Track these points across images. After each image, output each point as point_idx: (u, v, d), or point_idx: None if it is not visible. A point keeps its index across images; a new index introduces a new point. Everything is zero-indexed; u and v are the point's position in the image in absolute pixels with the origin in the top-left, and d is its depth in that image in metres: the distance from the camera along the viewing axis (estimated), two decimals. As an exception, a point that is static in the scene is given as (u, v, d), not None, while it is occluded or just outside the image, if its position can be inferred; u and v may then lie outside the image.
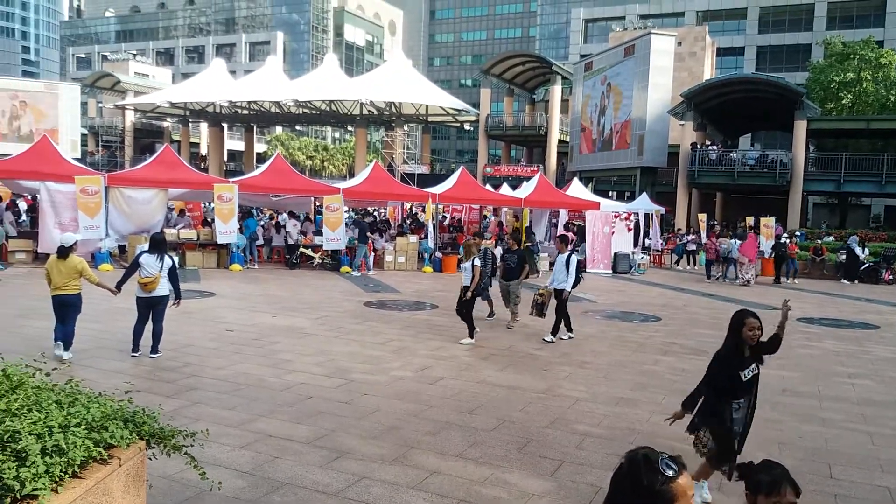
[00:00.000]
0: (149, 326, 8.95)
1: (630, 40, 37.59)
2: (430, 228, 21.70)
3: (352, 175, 52.54)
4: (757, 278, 21.55)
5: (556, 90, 46.33)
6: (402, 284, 17.59)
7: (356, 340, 10.52)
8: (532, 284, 14.84)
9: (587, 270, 22.55)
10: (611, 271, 22.74)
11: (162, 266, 8.93)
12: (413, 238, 21.80)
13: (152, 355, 8.82)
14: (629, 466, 1.86)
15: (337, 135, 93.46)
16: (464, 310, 10.82)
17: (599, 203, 24.45)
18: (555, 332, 11.21)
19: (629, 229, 23.81)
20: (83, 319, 8.96)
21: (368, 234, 20.71)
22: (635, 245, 24.53)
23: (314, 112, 52.13)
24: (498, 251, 15.75)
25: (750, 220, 29.76)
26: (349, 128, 60.71)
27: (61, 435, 2.66)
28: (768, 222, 26.13)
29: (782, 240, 23.44)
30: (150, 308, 8.93)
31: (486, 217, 29.52)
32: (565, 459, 5.95)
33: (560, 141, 46.69)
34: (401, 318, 12.89)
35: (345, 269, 19.65)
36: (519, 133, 49.93)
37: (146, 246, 9.35)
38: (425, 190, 23.05)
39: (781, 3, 59.86)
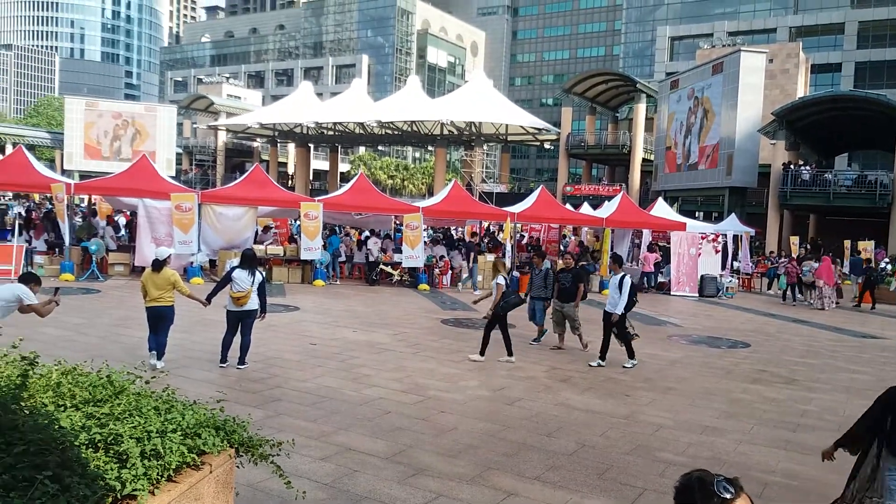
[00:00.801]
0: (237, 339, 9.27)
1: (718, 58, 36.57)
2: (508, 247, 21.63)
3: (431, 194, 53.11)
4: (837, 303, 20.56)
5: (641, 108, 45.54)
6: (479, 303, 17.54)
7: (433, 357, 10.58)
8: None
9: (672, 292, 21.95)
10: (697, 294, 22.02)
11: (252, 281, 9.22)
12: (491, 257, 21.78)
13: (240, 366, 9.13)
14: (683, 489, 1.80)
15: (417, 154, 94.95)
16: (487, 327, 10.73)
17: (685, 224, 23.76)
18: (602, 356, 10.73)
19: (717, 251, 23.03)
20: (174, 330, 9.38)
21: (455, 252, 20.88)
22: (723, 268, 23.66)
23: (396, 132, 53.13)
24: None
25: (847, 244, 28.24)
26: (429, 147, 61.55)
27: (159, 439, 2.79)
28: (867, 246, 24.73)
29: (882, 264, 22.15)
30: (240, 321, 9.24)
31: (565, 237, 29.21)
32: (647, 487, 5.77)
33: (644, 160, 45.79)
34: (477, 336, 12.81)
35: (423, 286, 19.82)
36: (601, 152, 49.30)
37: (236, 261, 9.70)
38: (504, 209, 23.03)
39: (882, 17, 56.94)
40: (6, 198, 31.75)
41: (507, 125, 48.10)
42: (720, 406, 8.64)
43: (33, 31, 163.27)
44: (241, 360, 9.20)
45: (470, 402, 8.16)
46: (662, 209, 26.25)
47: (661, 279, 22.93)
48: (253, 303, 9.26)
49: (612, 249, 22.59)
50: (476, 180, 49.50)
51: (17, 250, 17.42)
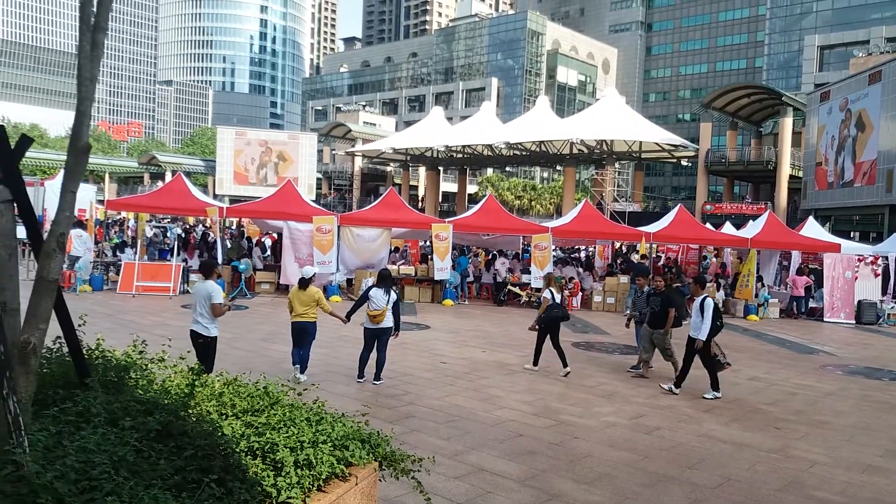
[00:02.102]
0: (373, 355, 9.57)
1: (876, 66, 33.79)
2: (643, 269, 20.90)
3: (559, 214, 52.58)
4: None
5: (787, 122, 42.88)
6: (612, 326, 17.09)
7: (565, 381, 10.38)
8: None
9: (825, 319, 20.34)
10: (853, 321, 20.23)
11: (388, 300, 9.50)
12: (624, 278, 21.16)
13: (375, 382, 9.41)
14: None
15: (545, 174, 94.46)
16: (538, 339, 11.01)
17: (839, 245, 21.97)
18: (678, 384, 9.95)
19: (876, 274, 21.07)
20: (316, 346, 9.82)
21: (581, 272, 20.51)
22: (884, 293, 21.61)
23: (524, 153, 53.20)
24: (720, 296, 14.69)
25: None
26: (558, 167, 61.03)
27: (311, 450, 2.93)
28: None
29: None
30: (376, 338, 9.54)
31: (706, 258, 27.87)
32: (804, 530, 5.32)
33: (791, 176, 42.99)
34: (611, 361, 12.51)
35: (554, 307, 19.56)
36: (743, 168, 46.82)
37: (370, 280, 10.11)
38: (638, 228, 22.35)
39: None
40: (165, 220, 34.74)
41: (640, 142, 46.85)
42: (883, 443, 7.86)
43: (190, 67, 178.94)
44: (377, 377, 9.47)
45: (605, 428, 7.92)
46: (813, 229, 24.45)
47: (812, 304, 21.31)
48: (388, 321, 9.52)
49: (757, 272, 21.30)
50: (607, 199, 48.49)
51: (176, 269, 19.00)
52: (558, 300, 11.07)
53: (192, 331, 7.87)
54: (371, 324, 9.52)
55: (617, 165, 55.20)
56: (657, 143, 46.94)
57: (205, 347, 7.82)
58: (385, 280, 9.71)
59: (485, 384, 9.82)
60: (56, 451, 2.52)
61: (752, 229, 23.04)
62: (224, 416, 3.20)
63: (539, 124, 48.05)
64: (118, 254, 21.51)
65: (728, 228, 26.27)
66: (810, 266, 23.49)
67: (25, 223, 2.88)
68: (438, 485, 5.74)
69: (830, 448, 7.59)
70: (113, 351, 3.67)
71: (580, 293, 20.80)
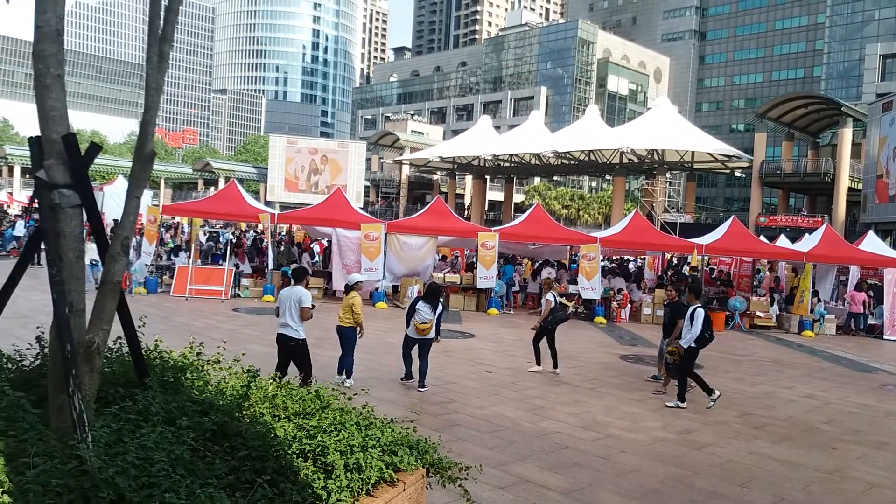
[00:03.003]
0: (415, 364, 9.69)
1: (942, 73, 32.49)
2: (694, 282, 20.48)
3: (608, 224, 51.95)
4: None
5: (846, 133, 41.56)
6: (661, 340, 16.77)
7: (612, 394, 10.24)
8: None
9: (884, 336, 19.61)
10: (915, 340, 19.44)
11: (435, 313, 9.75)
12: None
13: (420, 389, 9.50)
14: None
15: (593, 184, 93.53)
16: (535, 339, 11.59)
17: (901, 260, 21.16)
18: (681, 397, 9.72)
19: (940, 292, 20.21)
20: (362, 351, 9.93)
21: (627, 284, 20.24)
22: (948, 311, 20.70)
23: (573, 162, 52.77)
24: (773, 310, 14.31)
25: None
26: (607, 177, 60.36)
27: (361, 454, 2.97)
28: None
29: None
30: (418, 346, 9.79)
31: (759, 271, 27.18)
32: (862, 555, 5.14)
33: (850, 189, 41.63)
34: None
35: (599, 319, 19.35)
36: (800, 180, 45.54)
37: (416, 287, 10.25)
38: (689, 240, 21.94)
39: None
40: (218, 226, 35.55)
41: (692, 152, 46.01)
42: (951, 470, 7.52)
43: (244, 76, 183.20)
44: (421, 383, 9.58)
45: (653, 443, 7.79)
46: (873, 243, 23.58)
47: (871, 321, 20.57)
48: (431, 332, 9.80)
49: (813, 287, 20.68)
50: (658, 210, 47.70)
51: (228, 273, 19.44)
52: (559, 303, 11.76)
53: (281, 335, 8.15)
54: (416, 334, 9.72)
55: (668, 176, 54.25)
56: (710, 154, 46.02)
57: (297, 349, 8.17)
58: (433, 295, 9.91)
59: (530, 395, 9.76)
60: (117, 447, 2.61)
61: (808, 243, 22.39)
62: (277, 419, 3.27)
63: (588, 133, 47.62)
64: (172, 258, 22.11)
65: (783, 241, 25.57)
66: (869, 282, 22.68)
67: (92, 228, 3.00)
68: (483, 494, 5.72)
69: (891, 471, 7.31)
70: (170, 352, 3.78)
71: (629, 305, 20.50)
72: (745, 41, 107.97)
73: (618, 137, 46.20)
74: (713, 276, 26.15)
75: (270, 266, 19.89)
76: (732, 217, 23.52)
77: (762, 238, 27.60)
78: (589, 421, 8.53)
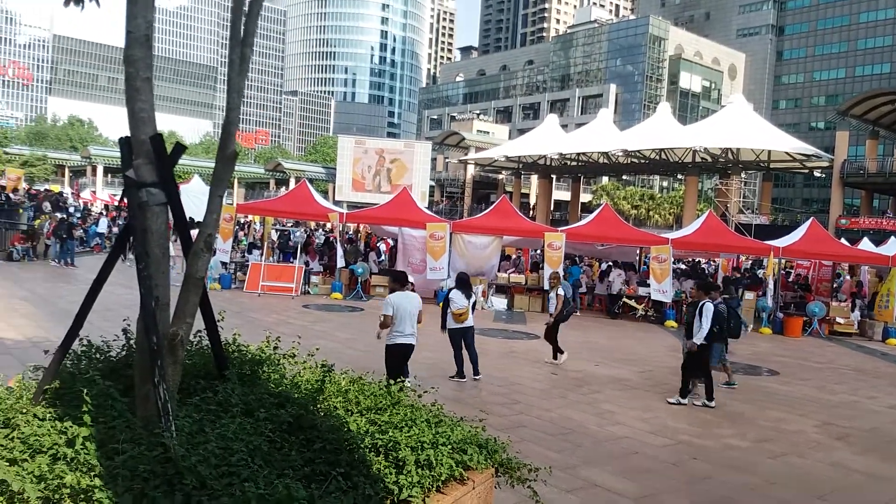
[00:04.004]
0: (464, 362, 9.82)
1: None
2: (771, 285, 19.79)
3: (679, 224, 50.63)
4: None
5: (936, 130, 39.27)
6: (735, 345, 16.11)
7: (685, 400, 9.97)
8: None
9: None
10: None
11: (469, 301, 9.92)
12: (749, 295, 20.09)
13: (476, 377, 9.80)
14: None
15: (664, 183, 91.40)
16: (552, 334, 11.87)
17: None
18: (709, 396, 9.60)
19: None
20: (426, 350, 10.01)
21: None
22: None
23: (643, 161, 51.68)
24: (855, 315, 13.67)
25: None
26: (679, 176, 58.89)
27: (431, 451, 2.99)
28: None
29: None
30: (462, 337, 9.89)
31: (839, 275, 26.00)
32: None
33: (940, 190, 39.36)
34: (735, 380, 11.89)
35: (670, 323, 18.89)
36: (885, 180, 43.28)
37: (480, 288, 10.28)
38: (766, 242, 21.17)
39: None
40: (289, 224, 36.44)
41: (769, 151, 44.35)
42: None
43: (314, 78, 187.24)
44: (476, 372, 9.88)
45: (726, 450, 7.55)
46: (967, 247, 22.24)
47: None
48: (470, 319, 9.97)
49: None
50: (732, 211, 46.21)
51: (298, 270, 19.92)
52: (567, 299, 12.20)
53: (409, 345, 8.02)
54: (456, 323, 9.83)
55: (743, 175, 52.52)
56: (787, 153, 44.28)
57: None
58: (464, 283, 10.15)
59: (598, 398, 9.62)
60: (199, 437, 2.71)
61: (893, 246, 21.29)
62: (350, 413, 3.33)
63: (659, 131, 46.53)
64: (246, 255, 22.79)
65: (865, 244, 24.40)
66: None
67: (177, 225, 3.13)
68: (551, 497, 5.67)
69: None
70: (247, 346, 3.90)
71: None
72: (827, 35, 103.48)
73: (690, 136, 44.98)
74: (790, 279, 25.18)
75: (340, 264, 20.23)
76: (811, 219, 22.57)
77: (843, 241, 26.39)
78: (658, 426, 8.35)
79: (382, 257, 26.01)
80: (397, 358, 8.04)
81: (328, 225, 30.59)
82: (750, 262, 30.23)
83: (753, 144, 42.71)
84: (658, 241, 20.23)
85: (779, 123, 66.32)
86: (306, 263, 21.36)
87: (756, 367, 13.35)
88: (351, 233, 27.97)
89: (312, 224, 37.86)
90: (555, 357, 11.91)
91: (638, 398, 9.83)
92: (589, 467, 6.58)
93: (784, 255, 20.39)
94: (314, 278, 20.56)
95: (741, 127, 42.44)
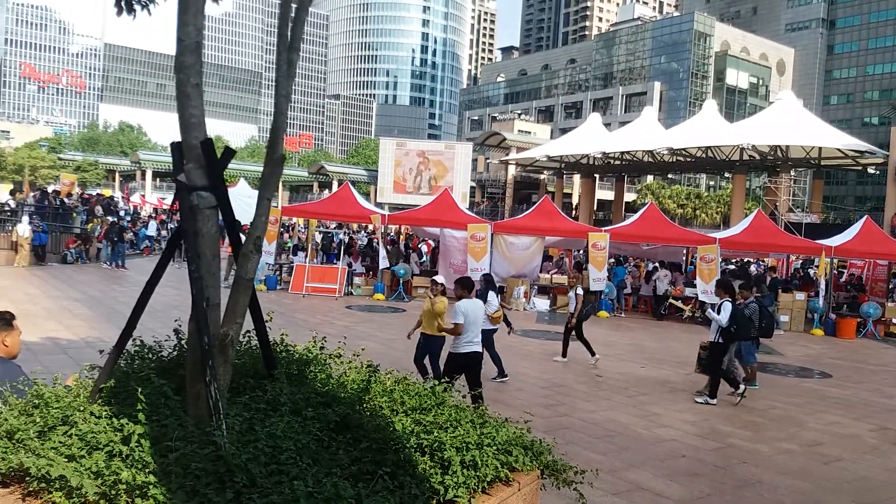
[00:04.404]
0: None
1: None
2: (823, 285, 19.24)
3: (726, 224, 49.61)
4: None
5: None
6: (786, 347, 15.84)
7: (734, 403, 9.77)
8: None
9: None
10: None
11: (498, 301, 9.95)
12: (800, 295, 19.57)
13: (503, 379, 9.82)
14: None
15: (711, 182, 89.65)
16: (578, 334, 11.83)
17: None
18: (712, 394, 9.62)
19: None
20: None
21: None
22: None
23: (688, 159, 50.79)
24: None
25: None
26: (726, 174, 57.69)
27: (477, 451, 2.99)
28: None
29: None
30: (486, 337, 9.60)
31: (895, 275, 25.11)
32: None
33: None
34: (784, 384, 11.62)
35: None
36: (943, 176, 41.69)
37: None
38: (817, 241, 20.59)
39: None
40: (332, 226, 36.84)
41: (819, 148, 43.14)
42: None
43: (356, 81, 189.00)
44: (502, 373, 9.87)
45: (777, 455, 7.37)
46: None
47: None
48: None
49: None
50: (781, 209, 45.09)
51: (341, 272, 20.14)
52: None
53: (477, 352, 7.65)
54: (491, 325, 9.79)
55: (792, 173, 51.17)
56: (839, 150, 43.00)
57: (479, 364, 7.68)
58: (492, 284, 10.26)
59: (644, 400, 9.48)
60: (248, 435, 2.76)
61: (954, 244, 20.47)
62: (395, 413, 3.36)
63: (705, 129, 45.65)
64: (291, 256, 23.14)
65: (925, 243, 23.50)
66: None
67: (227, 228, 3.19)
68: (596, 499, 5.61)
69: None
70: (294, 346, 3.96)
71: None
72: (880, 28, 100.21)
73: (738, 133, 44.03)
74: (841, 279, 24.46)
75: (382, 266, 20.37)
76: (865, 217, 21.87)
77: (900, 239, 25.48)
78: (707, 429, 8.19)
79: (424, 258, 26.12)
80: (462, 365, 7.61)
81: (370, 227, 30.85)
82: (800, 261, 29.44)
83: (803, 141, 41.60)
84: (705, 240, 19.85)
85: (830, 119, 64.46)
86: (349, 265, 21.58)
87: (808, 370, 13.00)
88: (392, 234, 28.16)
89: (354, 226, 38.24)
90: (592, 354, 11.79)
91: (684, 400, 9.67)
92: (635, 470, 6.50)
93: (836, 254, 19.80)
94: (357, 279, 20.77)
95: (791, 123, 41.39)
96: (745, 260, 28.79)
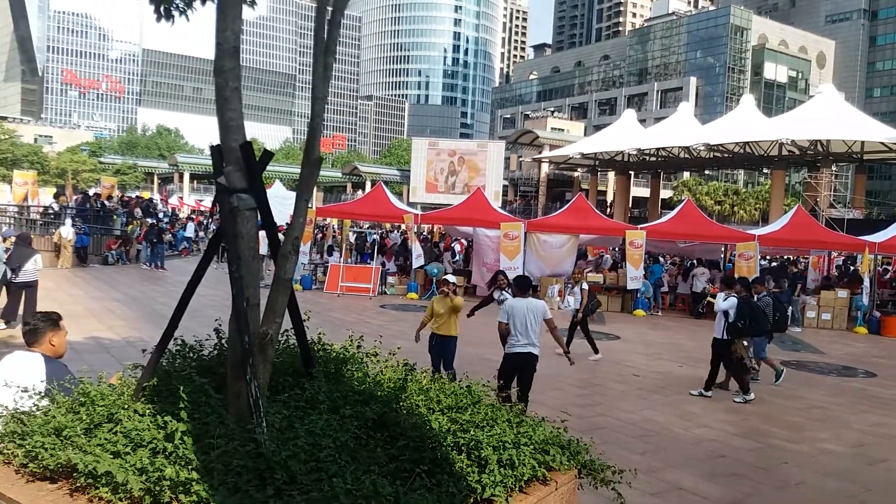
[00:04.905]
0: None
1: None
2: (867, 283, 18.76)
3: (765, 220, 48.65)
4: None
5: None
6: (827, 345, 15.50)
7: (772, 402, 9.60)
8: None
9: None
10: None
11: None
12: (843, 293, 19.11)
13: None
14: None
15: (749, 178, 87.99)
16: (583, 328, 11.99)
17: None
18: (708, 385, 9.75)
19: None
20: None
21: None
22: None
23: (726, 155, 49.95)
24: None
25: None
26: (765, 170, 56.58)
27: (514, 450, 2.99)
28: None
29: None
30: None
31: (942, 272, 24.40)
32: None
33: None
34: (826, 383, 11.36)
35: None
36: None
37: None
38: (860, 238, 20.08)
39: None
40: (365, 226, 37.05)
41: (862, 142, 42.03)
42: None
43: (389, 82, 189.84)
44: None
45: (819, 455, 7.22)
46: None
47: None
48: None
49: None
50: (822, 205, 44.04)
51: (375, 271, 20.26)
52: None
53: (521, 354, 7.18)
54: None
55: (834, 168, 49.97)
56: (883, 143, 41.82)
57: (532, 366, 7.26)
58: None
59: (681, 400, 9.37)
60: (288, 433, 2.80)
61: None
62: (431, 411, 3.37)
63: (743, 124, 44.82)
64: (326, 256, 23.36)
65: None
66: None
67: (266, 229, 3.24)
68: (634, 500, 5.54)
69: None
70: (331, 345, 4.01)
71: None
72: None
73: (776, 128, 43.15)
74: (886, 276, 23.82)
75: (417, 264, 20.45)
76: (911, 212, 21.27)
77: (948, 235, 24.71)
78: (747, 429, 8.06)
79: (457, 257, 26.13)
80: (507, 367, 7.26)
81: (403, 226, 31.00)
82: (842, 258, 28.75)
83: (845, 135, 40.58)
84: (744, 237, 19.52)
85: (873, 112, 62.76)
86: (382, 264, 21.69)
87: (851, 369, 12.69)
88: (425, 233, 28.22)
89: (388, 225, 38.43)
90: (595, 351, 11.85)
91: (724, 400, 9.52)
92: (673, 470, 6.42)
93: (880, 250, 19.29)
94: (390, 279, 20.87)
95: (831, 117, 40.41)
96: (785, 257, 28.21)
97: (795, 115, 45.03)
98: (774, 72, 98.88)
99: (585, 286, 12.22)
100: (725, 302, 9.71)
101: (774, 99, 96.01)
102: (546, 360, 10.06)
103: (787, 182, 57.25)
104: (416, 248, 20.51)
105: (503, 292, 9.63)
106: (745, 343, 9.83)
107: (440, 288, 8.40)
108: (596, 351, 11.86)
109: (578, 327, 12.01)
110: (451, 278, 8.54)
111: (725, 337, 9.67)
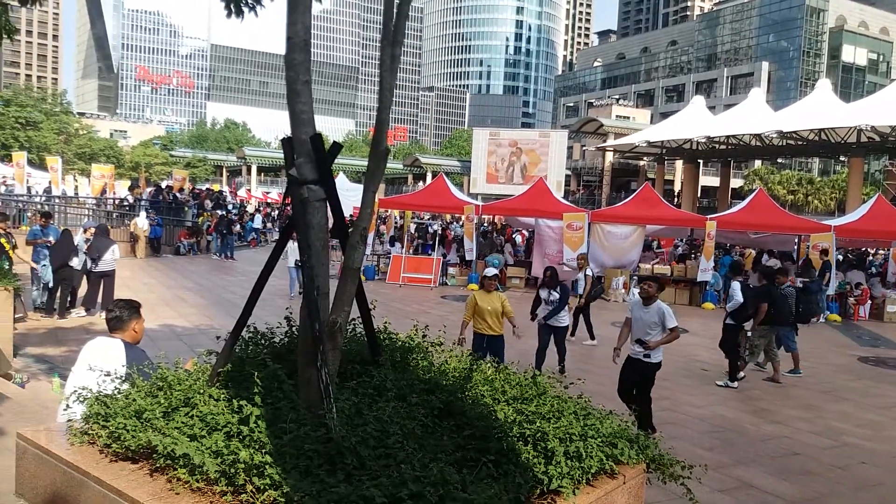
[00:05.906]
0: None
1: None
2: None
3: (841, 210, 46.62)
4: None
5: None
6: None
7: (849, 399, 9.22)
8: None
9: None
10: None
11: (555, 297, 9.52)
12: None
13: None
14: None
15: (824, 166, 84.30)
16: (584, 314, 12.25)
17: None
18: (731, 376, 9.62)
19: None
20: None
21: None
22: None
23: (800, 143, 47.98)
24: None
25: None
26: (841, 158, 54.11)
27: (581, 443, 2.97)
28: None
29: None
30: (551, 334, 9.46)
31: None
32: None
33: None
34: (909, 380, 10.83)
35: (833, 316, 17.45)
36: None
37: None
38: (946, 228, 19.02)
39: None
40: (427, 217, 37.23)
41: (951, 127, 39.73)
42: None
43: (450, 73, 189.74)
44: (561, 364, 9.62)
45: (901, 456, 6.90)
46: None
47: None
48: (565, 319, 9.72)
49: None
50: (904, 194, 41.88)
51: (436, 262, 20.36)
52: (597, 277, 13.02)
53: (628, 358, 7.03)
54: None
55: (917, 155, 47.38)
56: (972, 127, 39.45)
57: (652, 374, 6.94)
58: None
59: (752, 395, 9.10)
60: (357, 419, 2.86)
61: None
62: (497, 402, 3.38)
63: (819, 110, 42.92)
64: (389, 247, 23.62)
65: None
66: None
67: (335, 220, 3.30)
68: (702, 496, 5.41)
69: None
70: (396, 334, 4.06)
71: (869, 301, 18.27)
72: None
73: (855, 114, 41.14)
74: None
75: (469, 257, 20.45)
76: None
77: None
78: (822, 427, 7.76)
79: (519, 248, 25.99)
80: (625, 369, 7.10)
81: (462, 217, 31.04)
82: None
83: (930, 120, 38.39)
84: (819, 227, 18.76)
85: (963, 95, 59.00)
86: (443, 255, 21.77)
87: (936, 367, 12.05)
88: (486, 224, 28.17)
89: (448, 217, 38.55)
90: (592, 338, 12.14)
91: (797, 396, 9.21)
92: (743, 467, 6.25)
93: (970, 241, 18.23)
94: (451, 270, 20.93)
95: (916, 101, 38.29)
96: (864, 249, 26.97)
97: (876, 100, 42.84)
98: (853, 55, 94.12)
99: (589, 272, 12.56)
100: (734, 291, 9.96)
101: (853, 83, 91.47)
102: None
103: (865, 170, 54.63)
104: (468, 242, 20.47)
105: (551, 291, 9.44)
106: (748, 329, 10.19)
107: (484, 282, 8.16)
108: (592, 337, 12.17)
109: (581, 313, 12.31)
110: (490, 272, 8.17)
111: (730, 322, 9.89)
